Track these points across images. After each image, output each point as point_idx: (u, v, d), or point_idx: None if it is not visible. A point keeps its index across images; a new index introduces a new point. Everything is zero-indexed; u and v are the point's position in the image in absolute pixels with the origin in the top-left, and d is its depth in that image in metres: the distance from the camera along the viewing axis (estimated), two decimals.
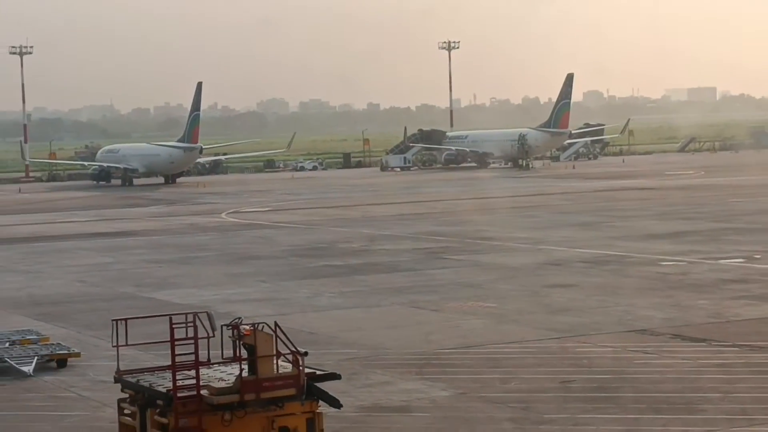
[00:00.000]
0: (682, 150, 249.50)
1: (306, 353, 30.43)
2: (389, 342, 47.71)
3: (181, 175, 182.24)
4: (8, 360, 44.83)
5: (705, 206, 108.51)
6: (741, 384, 38.44)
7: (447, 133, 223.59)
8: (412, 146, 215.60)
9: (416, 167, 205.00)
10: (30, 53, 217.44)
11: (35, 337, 49.07)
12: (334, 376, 30.85)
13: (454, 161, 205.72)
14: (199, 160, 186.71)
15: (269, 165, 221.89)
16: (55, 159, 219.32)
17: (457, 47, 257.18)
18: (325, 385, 30.23)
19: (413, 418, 35.77)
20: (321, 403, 30.11)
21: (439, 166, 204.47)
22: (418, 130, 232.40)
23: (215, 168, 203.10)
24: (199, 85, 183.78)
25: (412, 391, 39.08)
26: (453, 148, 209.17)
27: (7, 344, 46.98)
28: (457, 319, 52.92)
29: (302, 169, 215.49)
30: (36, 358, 45.37)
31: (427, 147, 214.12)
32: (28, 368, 44.42)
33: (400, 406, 37.14)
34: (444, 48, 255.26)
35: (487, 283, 63.59)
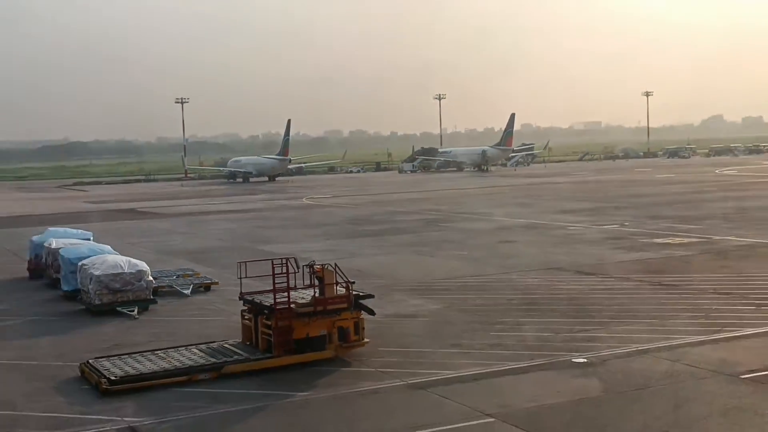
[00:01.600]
0: (580, 160, 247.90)
1: (353, 282, 30.69)
2: (403, 275, 47.77)
3: (278, 176, 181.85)
4: (175, 286, 45.36)
5: (594, 193, 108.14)
6: (616, 300, 38.41)
7: (438, 150, 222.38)
8: (417, 158, 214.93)
9: (419, 171, 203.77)
10: (187, 102, 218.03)
11: (191, 272, 49.52)
12: (370, 296, 31.10)
13: (443, 167, 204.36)
14: (289, 166, 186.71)
15: (331, 170, 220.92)
16: (202, 166, 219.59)
17: (444, 97, 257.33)
18: (365, 302, 30.48)
19: (418, 321, 35.92)
20: (363, 312, 30.41)
21: (433, 170, 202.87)
22: (421, 147, 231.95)
23: (298, 171, 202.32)
24: (289, 120, 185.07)
25: (418, 305, 39.15)
26: (442, 159, 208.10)
27: (174, 277, 47.49)
28: (444, 262, 52.97)
29: (351, 172, 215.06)
30: (192, 285, 45.74)
31: (426, 158, 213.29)
32: (187, 291, 44.77)
33: (410, 313, 37.27)
34: (436, 99, 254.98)
35: (461, 240, 63.55)
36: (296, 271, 30.19)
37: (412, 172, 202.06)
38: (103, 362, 29.14)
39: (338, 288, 30.14)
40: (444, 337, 32.68)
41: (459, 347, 30.99)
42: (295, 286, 30.29)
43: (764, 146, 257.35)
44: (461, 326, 34.35)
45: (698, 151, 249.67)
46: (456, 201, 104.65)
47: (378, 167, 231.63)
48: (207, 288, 45.74)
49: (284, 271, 29.63)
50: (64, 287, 44.73)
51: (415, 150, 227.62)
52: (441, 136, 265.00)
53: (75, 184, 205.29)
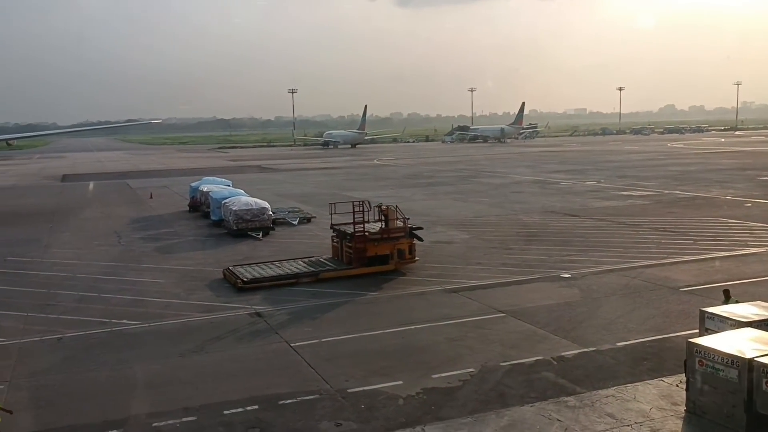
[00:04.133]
0: (570, 135, 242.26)
1: (408, 218, 30.69)
2: (443, 214, 47.63)
3: (357, 144, 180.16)
4: (287, 218, 45.80)
5: (579, 159, 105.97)
6: (593, 234, 37.89)
7: (470, 127, 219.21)
8: (455, 132, 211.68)
9: (456, 142, 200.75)
10: (296, 92, 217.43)
11: (297, 209, 49.82)
12: (420, 228, 31.16)
13: (473, 140, 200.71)
14: (365, 138, 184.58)
15: (394, 141, 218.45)
16: (305, 137, 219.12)
17: (475, 90, 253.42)
18: (416, 232, 30.53)
19: (453, 245, 35.81)
20: (415, 239, 30.48)
21: (466, 141, 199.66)
22: (458, 125, 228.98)
23: (373, 141, 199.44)
24: (365, 105, 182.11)
25: (453, 234, 39.07)
26: (472, 134, 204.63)
27: (286, 212, 47.86)
28: (473, 205, 52.58)
29: (408, 142, 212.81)
30: (298, 218, 46.24)
31: (461, 133, 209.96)
32: (295, 222, 45.30)
33: (447, 241, 37.21)
34: (469, 91, 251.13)
35: (486, 191, 62.89)
36: (369, 210, 30.43)
37: (451, 142, 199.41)
38: (239, 268, 29.81)
39: (398, 222, 30.32)
40: (471, 257, 32.65)
41: (481, 265, 30.95)
42: (368, 220, 30.52)
43: (705, 127, 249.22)
44: (483, 250, 34.26)
45: (656, 130, 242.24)
46: (481, 163, 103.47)
47: (427, 139, 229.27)
48: (308, 220, 46.19)
49: (361, 209, 29.93)
50: (213, 218, 45.66)
51: (453, 127, 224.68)
52: (472, 118, 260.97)
53: (219, 148, 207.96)
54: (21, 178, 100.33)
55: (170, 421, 15.57)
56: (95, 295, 27.56)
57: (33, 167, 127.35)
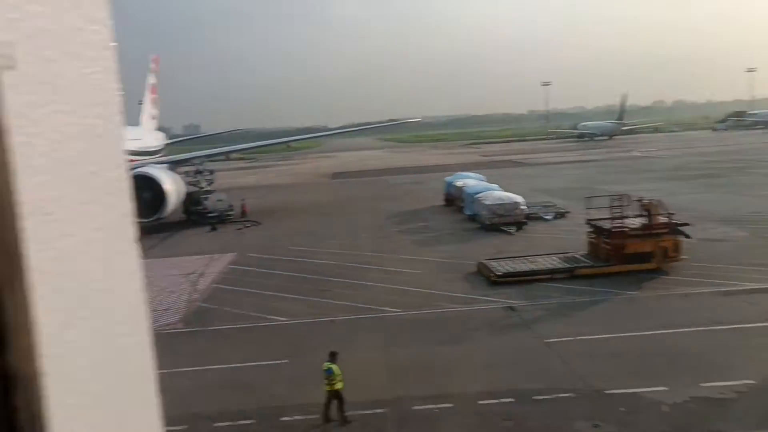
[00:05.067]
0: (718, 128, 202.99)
1: (673, 213, 28.78)
2: (714, 209, 43.17)
3: (614, 135, 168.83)
4: (540, 213, 45.17)
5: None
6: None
7: (748, 112, 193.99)
8: (728, 119, 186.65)
9: (729, 130, 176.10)
10: (549, 84, 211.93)
11: (551, 204, 48.91)
12: (686, 224, 29.05)
13: (752, 126, 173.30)
14: (623, 128, 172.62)
15: (655, 130, 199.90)
16: (558, 129, 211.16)
17: (755, 70, 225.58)
18: (682, 228, 28.45)
19: (726, 243, 32.58)
20: (680, 236, 28.37)
21: (743, 129, 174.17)
22: (733, 111, 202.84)
23: (631, 132, 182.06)
24: (623, 95, 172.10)
25: (726, 231, 35.49)
26: (751, 119, 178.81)
27: (540, 207, 47.13)
28: (751, 199, 46.76)
29: (672, 132, 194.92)
30: (553, 212, 45.45)
31: (737, 119, 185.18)
32: (548, 217, 44.59)
33: (719, 238, 33.84)
34: (747, 71, 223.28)
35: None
36: (628, 204, 29.06)
37: (724, 130, 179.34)
38: (492, 262, 30.20)
39: (661, 217, 28.57)
40: (748, 257, 29.32)
41: (762, 266, 27.63)
42: (627, 215, 29.11)
43: None
44: (764, 249, 30.57)
45: None
46: (763, 152, 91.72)
47: (694, 127, 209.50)
48: (562, 215, 45.19)
49: (619, 204, 28.74)
50: (466, 212, 46.69)
51: (727, 114, 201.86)
52: (751, 102, 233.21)
53: (471, 144, 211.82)
54: (297, 176, 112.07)
55: (428, 406, 16.40)
56: (361, 282, 29.86)
57: (307, 166, 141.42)
